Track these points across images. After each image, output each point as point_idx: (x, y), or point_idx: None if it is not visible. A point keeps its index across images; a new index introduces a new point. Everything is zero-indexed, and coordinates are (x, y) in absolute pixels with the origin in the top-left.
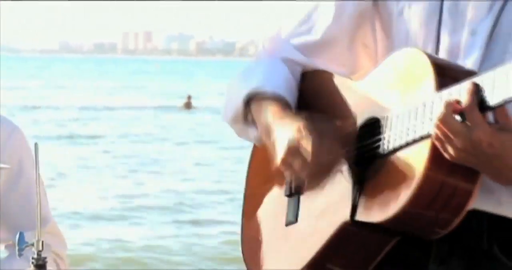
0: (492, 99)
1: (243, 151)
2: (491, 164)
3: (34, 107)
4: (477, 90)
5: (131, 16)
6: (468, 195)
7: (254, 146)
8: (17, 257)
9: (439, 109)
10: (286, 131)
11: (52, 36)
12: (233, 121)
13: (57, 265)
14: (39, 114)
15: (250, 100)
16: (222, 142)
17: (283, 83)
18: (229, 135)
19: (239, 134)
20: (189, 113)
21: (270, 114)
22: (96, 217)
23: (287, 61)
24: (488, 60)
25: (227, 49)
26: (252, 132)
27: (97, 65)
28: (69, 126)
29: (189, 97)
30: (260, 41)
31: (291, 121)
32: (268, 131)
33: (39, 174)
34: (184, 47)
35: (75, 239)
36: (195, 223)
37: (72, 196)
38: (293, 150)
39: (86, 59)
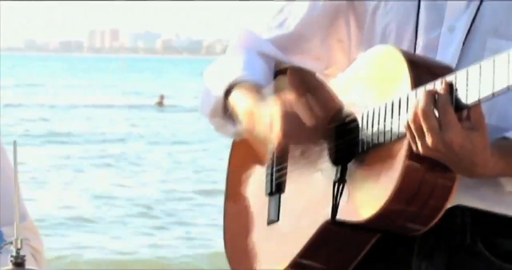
0: (466, 98)
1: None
2: (461, 162)
3: (11, 106)
4: (451, 90)
5: (98, 14)
6: (447, 192)
7: (233, 144)
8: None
9: (412, 107)
10: (271, 105)
11: (18, 35)
12: (212, 115)
13: (35, 259)
14: (17, 113)
15: (230, 91)
16: (199, 141)
17: (263, 75)
18: (205, 133)
19: (218, 129)
20: (162, 112)
21: (251, 99)
22: (74, 220)
23: (263, 56)
24: (466, 57)
25: (194, 48)
26: (231, 127)
27: (65, 63)
28: (46, 124)
29: (162, 97)
30: (232, 37)
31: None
32: (250, 114)
33: (17, 171)
34: (150, 46)
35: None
36: (181, 224)
37: (48, 197)
38: (287, 111)
39: (53, 57)
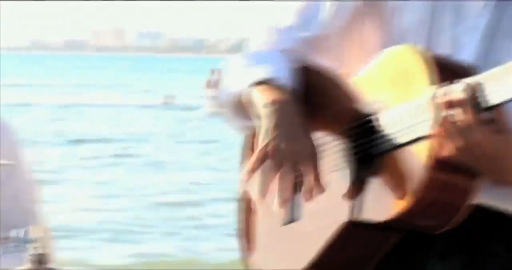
0: (489, 100)
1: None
2: (486, 164)
3: (23, 105)
4: (474, 91)
5: (102, 13)
6: (470, 192)
7: (247, 142)
8: (11, 253)
9: (435, 109)
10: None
11: (22, 34)
12: (228, 105)
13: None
14: (30, 112)
15: (250, 87)
16: (216, 140)
17: (286, 73)
18: (217, 132)
19: (229, 122)
20: (170, 110)
21: (273, 99)
22: (100, 223)
23: (284, 54)
24: (485, 57)
25: (197, 47)
26: (244, 121)
27: (71, 62)
28: (60, 124)
29: (168, 96)
30: (250, 34)
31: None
32: (272, 114)
33: (34, 171)
34: (155, 45)
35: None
36: (211, 227)
37: (69, 199)
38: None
39: (58, 56)
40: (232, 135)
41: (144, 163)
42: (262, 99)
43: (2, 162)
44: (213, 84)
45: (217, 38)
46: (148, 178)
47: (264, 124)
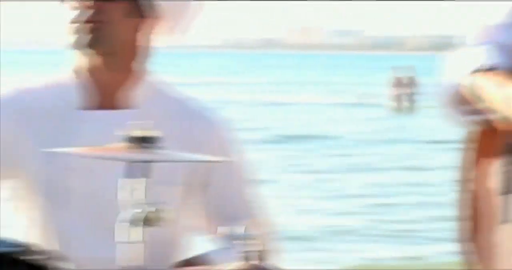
0: None
1: None
2: None
3: (229, 103)
4: None
5: (294, 12)
6: None
7: (474, 139)
8: (228, 248)
9: None
10: None
11: (215, 33)
12: (450, 100)
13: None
14: (235, 110)
15: (471, 79)
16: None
17: (507, 63)
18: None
19: (456, 118)
20: (365, 108)
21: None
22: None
23: (502, 47)
24: None
25: (388, 44)
26: (466, 116)
27: (265, 61)
28: (268, 122)
29: (362, 95)
30: (464, 33)
31: None
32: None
33: (249, 169)
34: (347, 42)
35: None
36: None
37: (277, 200)
38: None
39: (251, 54)
40: (426, 133)
41: (349, 162)
42: (498, 89)
43: (217, 159)
44: (399, 82)
45: (406, 35)
46: (354, 178)
47: None
